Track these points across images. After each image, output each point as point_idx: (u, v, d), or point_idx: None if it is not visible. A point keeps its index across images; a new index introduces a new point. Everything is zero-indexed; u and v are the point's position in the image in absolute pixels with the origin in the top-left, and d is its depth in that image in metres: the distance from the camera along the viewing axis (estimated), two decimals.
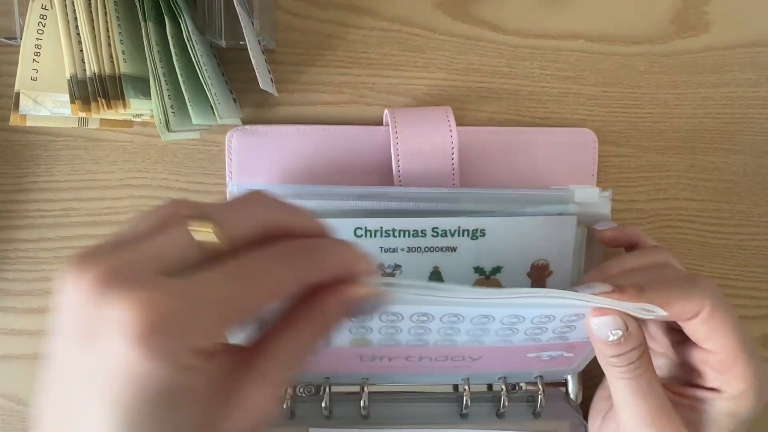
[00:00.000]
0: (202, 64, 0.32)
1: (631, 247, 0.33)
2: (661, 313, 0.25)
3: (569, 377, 0.37)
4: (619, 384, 0.27)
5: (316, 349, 0.22)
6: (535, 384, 0.36)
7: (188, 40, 0.31)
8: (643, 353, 0.26)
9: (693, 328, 0.27)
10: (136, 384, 0.18)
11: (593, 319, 0.26)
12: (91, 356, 0.18)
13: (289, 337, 0.21)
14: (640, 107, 0.39)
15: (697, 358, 0.28)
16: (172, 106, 0.32)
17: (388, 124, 0.35)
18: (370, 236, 0.33)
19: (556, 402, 0.37)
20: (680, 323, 0.27)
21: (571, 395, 0.37)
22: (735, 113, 0.39)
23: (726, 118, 0.39)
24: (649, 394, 0.27)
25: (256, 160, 0.37)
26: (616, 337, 0.26)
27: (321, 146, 0.37)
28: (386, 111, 0.36)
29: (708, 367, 0.28)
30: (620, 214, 0.39)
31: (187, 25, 0.31)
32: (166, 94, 0.32)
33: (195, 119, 0.33)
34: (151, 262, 0.19)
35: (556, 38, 0.38)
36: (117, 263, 0.19)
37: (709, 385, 0.28)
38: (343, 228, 0.33)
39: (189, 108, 0.32)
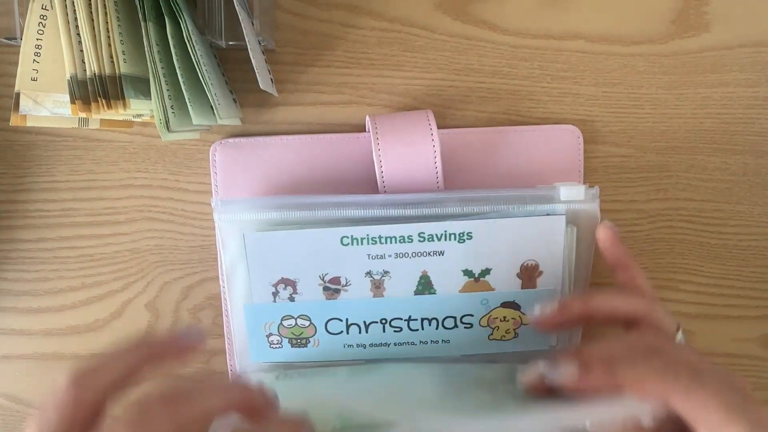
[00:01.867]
0: (202, 64, 0.32)
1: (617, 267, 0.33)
2: (648, 408, 0.25)
3: None
4: None
5: None
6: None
7: (188, 40, 0.31)
8: None
9: (675, 408, 0.26)
10: None
11: None
12: None
13: None
14: (640, 107, 0.39)
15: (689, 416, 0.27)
16: (172, 106, 0.32)
17: (369, 131, 0.35)
18: (357, 244, 0.33)
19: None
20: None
21: None
22: (735, 113, 0.39)
23: (726, 118, 0.39)
24: None
25: (240, 173, 0.37)
26: None
27: (305, 155, 0.37)
28: (367, 117, 0.35)
29: (703, 427, 0.27)
30: (620, 214, 0.39)
31: (187, 25, 0.31)
32: (166, 94, 0.32)
33: (195, 119, 0.33)
34: None
35: (556, 38, 0.38)
36: None
37: None
38: (329, 237, 0.33)
39: (189, 108, 0.32)
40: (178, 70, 0.32)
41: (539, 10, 0.38)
